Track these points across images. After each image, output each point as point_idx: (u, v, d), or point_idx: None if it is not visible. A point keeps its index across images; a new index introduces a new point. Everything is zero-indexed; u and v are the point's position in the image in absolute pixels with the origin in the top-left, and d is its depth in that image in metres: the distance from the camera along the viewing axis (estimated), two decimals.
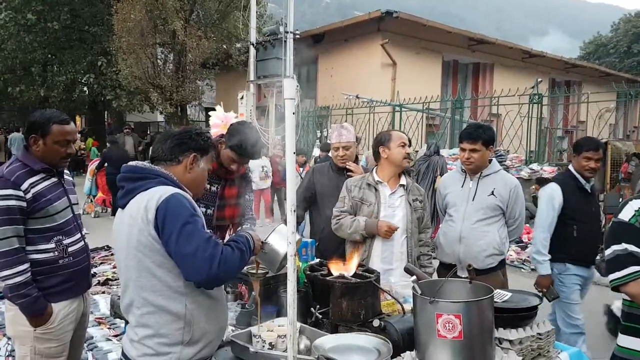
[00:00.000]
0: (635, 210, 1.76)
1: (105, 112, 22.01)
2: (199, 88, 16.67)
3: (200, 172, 1.80)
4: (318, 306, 2.03)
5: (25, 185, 2.10)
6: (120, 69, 14.61)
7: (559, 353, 1.94)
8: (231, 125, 2.74)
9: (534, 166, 9.13)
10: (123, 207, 1.70)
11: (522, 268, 6.74)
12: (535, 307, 1.95)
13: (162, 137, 1.81)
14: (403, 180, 2.86)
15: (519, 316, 1.90)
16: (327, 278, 2.04)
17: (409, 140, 2.92)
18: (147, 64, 14.44)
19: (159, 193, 1.61)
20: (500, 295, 2.03)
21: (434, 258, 3.11)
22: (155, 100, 14.81)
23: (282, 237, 1.88)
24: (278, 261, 1.92)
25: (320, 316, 2.02)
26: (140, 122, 22.81)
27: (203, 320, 1.66)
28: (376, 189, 2.82)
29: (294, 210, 1.41)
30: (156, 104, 15.10)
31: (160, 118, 21.25)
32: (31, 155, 2.19)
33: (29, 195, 2.10)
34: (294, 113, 1.38)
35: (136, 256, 1.61)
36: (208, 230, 1.62)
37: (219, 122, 4.62)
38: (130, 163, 1.74)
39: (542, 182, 8.42)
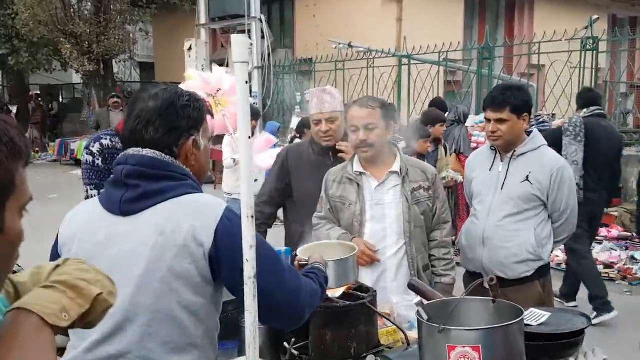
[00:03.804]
0: None
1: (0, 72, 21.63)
2: (129, 36, 16.46)
3: (205, 154, 1.79)
4: (293, 339, 2.07)
5: None
6: (18, 11, 14.31)
7: None
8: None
9: None
10: (129, 213, 1.63)
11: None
12: (581, 332, 2.02)
13: (137, 120, 1.71)
14: (396, 164, 2.82)
15: (560, 344, 1.96)
16: None
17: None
18: (55, 4, 14.17)
19: (207, 205, 1.63)
20: (535, 316, 2.09)
21: (458, 264, 3.16)
22: (69, 54, 14.58)
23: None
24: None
25: (297, 353, 2.06)
26: (49, 84, 22.45)
27: None
28: (358, 184, 2.82)
29: (252, 216, 1.43)
30: (70, 59, 14.86)
31: (76, 78, 20.94)
32: None
33: None
34: (247, 82, 1.39)
35: (159, 290, 1.56)
36: None
37: (201, 87, 4.17)
38: (146, 154, 1.66)
39: None
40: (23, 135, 0.99)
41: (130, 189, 1.63)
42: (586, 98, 5.63)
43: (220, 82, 4.80)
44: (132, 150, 1.68)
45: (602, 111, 5.62)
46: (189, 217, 1.59)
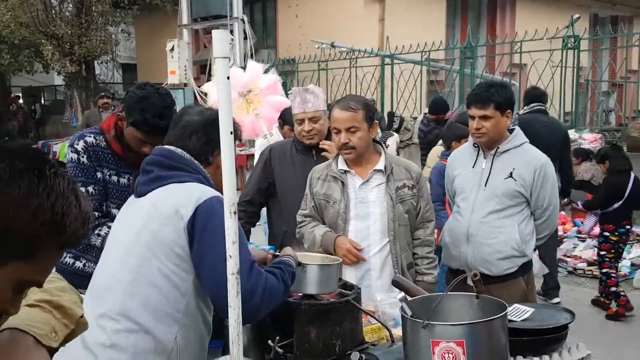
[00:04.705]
0: None
1: None
2: (111, 37, 16.33)
3: None
4: (278, 337, 2.06)
5: None
6: None
7: None
8: (127, 92, 2.67)
9: (571, 133, 9.30)
10: (142, 194, 1.91)
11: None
12: (565, 327, 2.03)
13: (182, 129, 1.98)
14: (380, 162, 2.83)
15: (544, 339, 1.97)
16: (290, 299, 2.07)
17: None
18: (36, 5, 14.04)
19: (199, 189, 1.83)
20: (519, 312, 2.10)
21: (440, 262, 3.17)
22: (50, 55, 14.45)
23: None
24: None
25: (282, 351, 2.05)
26: (31, 86, 22.22)
27: None
28: (342, 182, 2.81)
29: (235, 212, 1.42)
30: (51, 60, 14.73)
31: (58, 80, 20.73)
32: None
33: None
34: (228, 77, 1.38)
35: (142, 254, 1.78)
36: None
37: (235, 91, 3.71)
38: (168, 147, 1.96)
39: (581, 154, 8.58)
40: (86, 225, 0.95)
41: (146, 174, 1.93)
42: (531, 95, 5.92)
43: (255, 81, 4.46)
44: (161, 145, 1.99)
45: (543, 107, 5.84)
46: (178, 196, 1.82)
